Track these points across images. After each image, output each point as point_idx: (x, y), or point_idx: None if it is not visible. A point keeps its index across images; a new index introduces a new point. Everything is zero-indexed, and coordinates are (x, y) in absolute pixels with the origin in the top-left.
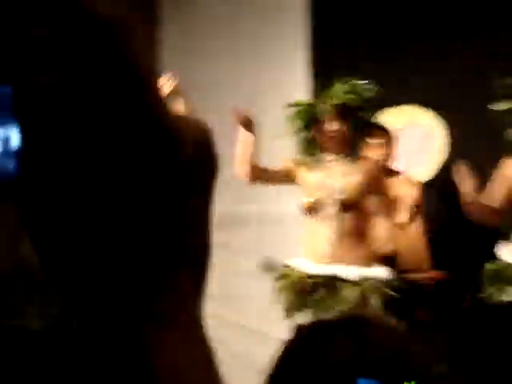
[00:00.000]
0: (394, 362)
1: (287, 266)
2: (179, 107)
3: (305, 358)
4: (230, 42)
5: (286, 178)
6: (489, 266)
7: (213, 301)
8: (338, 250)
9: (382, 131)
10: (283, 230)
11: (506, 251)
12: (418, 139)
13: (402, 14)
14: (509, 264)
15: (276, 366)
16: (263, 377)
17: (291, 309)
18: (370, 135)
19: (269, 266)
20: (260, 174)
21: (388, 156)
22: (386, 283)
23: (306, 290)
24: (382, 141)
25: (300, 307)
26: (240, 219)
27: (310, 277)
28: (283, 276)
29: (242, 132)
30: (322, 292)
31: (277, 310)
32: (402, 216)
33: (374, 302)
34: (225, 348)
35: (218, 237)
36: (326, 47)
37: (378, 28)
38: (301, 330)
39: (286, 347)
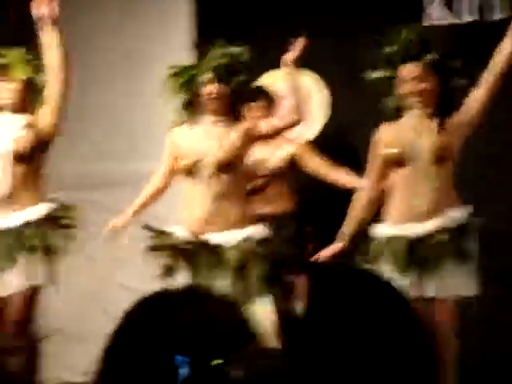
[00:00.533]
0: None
1: (162, 232)
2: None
3: (143, 333)
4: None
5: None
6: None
7: (91, 261)
8: (213, 214)
9: (263, 94)
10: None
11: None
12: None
13: None
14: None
15: (114, 335)
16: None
17: (167, 272)
18: (251, 98)
19: (147, 229)
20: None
21: (269, 118)
22: (264, 243)
23: (181, 256)
24: (263, 103)
25: (176, 270)
26: (116, 179)
27: (186, 243)
28: (157, 241)
29: None
30: (200, 257)
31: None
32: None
33: (253, 264)
34: (102, 305)
35: (92, 196)
36: (209, 12)
37: None
38: (140, 303)
39: (125, 317)
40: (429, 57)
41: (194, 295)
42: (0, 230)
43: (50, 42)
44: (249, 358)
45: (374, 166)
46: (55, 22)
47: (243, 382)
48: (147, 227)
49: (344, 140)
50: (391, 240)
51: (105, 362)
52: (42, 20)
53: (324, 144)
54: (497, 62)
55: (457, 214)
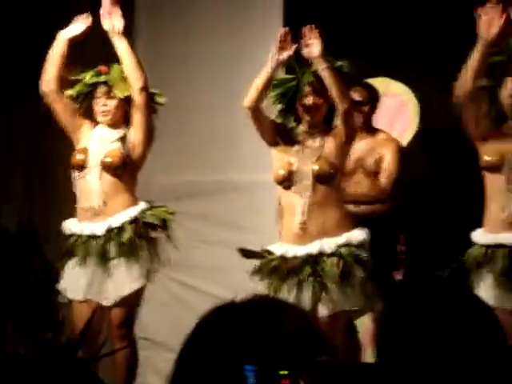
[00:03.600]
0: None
1: (266, 252)
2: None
3: (212, 341)
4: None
5: (269, 131)
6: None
7: (183, 269)
8: (312, 224)
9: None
10: (258, 199)
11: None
12: (391, 109)
13: None
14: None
15: (185, 344)
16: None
17: (274, 291)
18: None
19: (248, 254)
20: (259, 111)
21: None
22: (362, 246)
23: (287, 274)
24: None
25: (282, 287)
26: (212, 188)
27: (289, 258)
28: (263, 263)
29: (271, 65)
30: (304, 271)
31: (247, 280)
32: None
33: (356, 269)
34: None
35: (191, 206)
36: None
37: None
38: (211, 313)
39: (195, 327)
40: None
41: (263, 304)
42: (95, 235)
43: (121, 53)
44: (318, 370)
45: None
46: (122, 33)
47: None
48: (243, 252)
49: (437, 147)
50: (494, 249)
51: (176, 370)
52: (110, 33)
53: (416, 151)
54: None
55: None
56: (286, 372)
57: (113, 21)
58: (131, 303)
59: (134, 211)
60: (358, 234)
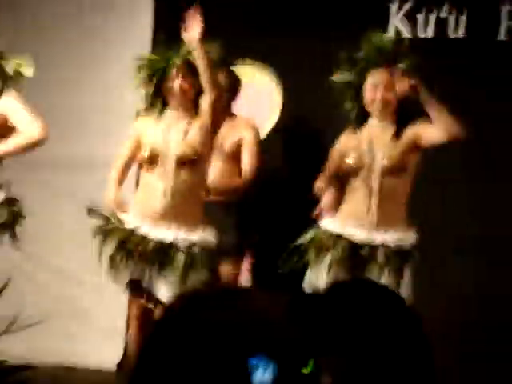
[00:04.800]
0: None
1: (116, 218)
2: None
3: (188, 333)
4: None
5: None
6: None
7: (32, 242)
8: (170, 208)
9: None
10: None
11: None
12: (253, 98)
13: None
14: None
15: (154, 337)
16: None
17: (113, 263)
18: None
19: (94, 212)
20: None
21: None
22: (209, 251)
23: (132, 248)
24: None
25: (123, 263)
26: (65, 161)
27: (138, 235)
28: (109, 228)
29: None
30: (151, 254)
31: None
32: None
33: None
34: (45, 291)
35: (39, 175)
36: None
37: None
38: (179, 302)
39: (164, 318)
40: (400, 66)
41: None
42: None
43: (198, 63)
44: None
45: (328, 170)
46: (198, 42)
47: None
48: (93, 212)
49: (302, 138)
50: (337, 239)
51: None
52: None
53: (281, 138)
54: None
55: (403, 235)
56: (308, 370)
57: (190, 31)
58: None
59: None
60: (210, 236)
